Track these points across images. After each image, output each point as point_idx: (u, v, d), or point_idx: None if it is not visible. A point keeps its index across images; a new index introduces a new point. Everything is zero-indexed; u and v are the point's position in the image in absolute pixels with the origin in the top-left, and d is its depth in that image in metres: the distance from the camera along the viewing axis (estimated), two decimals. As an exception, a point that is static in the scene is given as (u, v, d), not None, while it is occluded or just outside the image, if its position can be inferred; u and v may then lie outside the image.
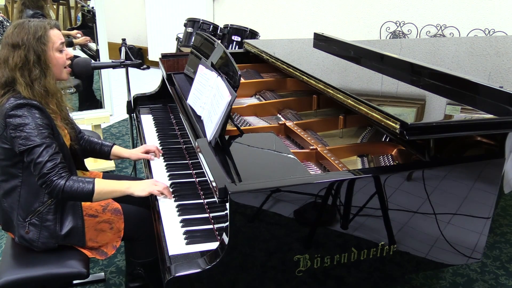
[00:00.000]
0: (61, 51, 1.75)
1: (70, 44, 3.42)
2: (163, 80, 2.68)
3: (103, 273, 2.37)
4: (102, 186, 1.67)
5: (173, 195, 1.79)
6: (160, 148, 2.22)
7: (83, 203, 1.78)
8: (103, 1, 3.42)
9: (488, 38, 3.57)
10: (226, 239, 1.33)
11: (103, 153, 2.11)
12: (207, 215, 1.68)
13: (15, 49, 1.65)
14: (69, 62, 1.81)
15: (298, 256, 1.38)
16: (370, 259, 1.48)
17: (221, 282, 1.34)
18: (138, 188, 1.72)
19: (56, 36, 1.73)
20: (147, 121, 2.55)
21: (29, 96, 1.64)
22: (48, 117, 1.68)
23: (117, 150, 2.12)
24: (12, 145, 1.63)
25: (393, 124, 1.39)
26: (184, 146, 2.24)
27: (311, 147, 1.68)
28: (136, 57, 3.78)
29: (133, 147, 2.78)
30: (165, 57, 2.67)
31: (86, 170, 2.05)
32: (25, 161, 1.63)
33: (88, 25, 3.63)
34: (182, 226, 1.61)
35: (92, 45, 3.58)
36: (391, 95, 1.81)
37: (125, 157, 2.14)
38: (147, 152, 2.14)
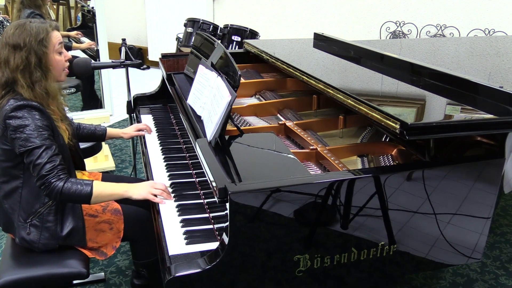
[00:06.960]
0: (60, 53, 1.75)
1: (68, 48, 3.42)
2: (163, 80, 2.68)
3: (103, 273, 2.37)
4: (100, 189, 1.66)
5: (173, 195, 1.79)
6: (160, 148, 2.23)
7: (83, 203, 1.79)
8: (103, 1, 3.42)
9: (488, 38, 3.57)
10: (226, 239, 1.33)
11: (99, 136, 2.23)
12: (207, 215, 1.68)
13: (16, 50, 1.63)
14: (67, 64, 1.81)
15: (298, 256, 1.38)
16: (370, 259, 1.48)
17: (221, 282, 1.34)
18: (136, 191, 1.71)
19: (56, 38, 1.72)
20: (147, 121, 2.55)
21: (30, 97, 1.64)
22: (49, 118, 1.68)
23: (110, 131, 2.27)
24: (13, 146, 1.63)
25: (393, 124, 1.39)
26: (184, 146, 2.24)
27: (311, 147, 1.68)
28: (136, 57, 3.78)
29: (133, 147, 2.80)
30: (165, 57, 2.67)
31: (84, 169, 2.05)
32: (25, 162, 1.62)
33: (88, 25, 3.63)
34: (182, 226, 1.61)
35: (92, 45, 3.58)
36: (391, 95, 1.81)
37: (119, 136, 2.30)
38: (139, 131, 2.33)
